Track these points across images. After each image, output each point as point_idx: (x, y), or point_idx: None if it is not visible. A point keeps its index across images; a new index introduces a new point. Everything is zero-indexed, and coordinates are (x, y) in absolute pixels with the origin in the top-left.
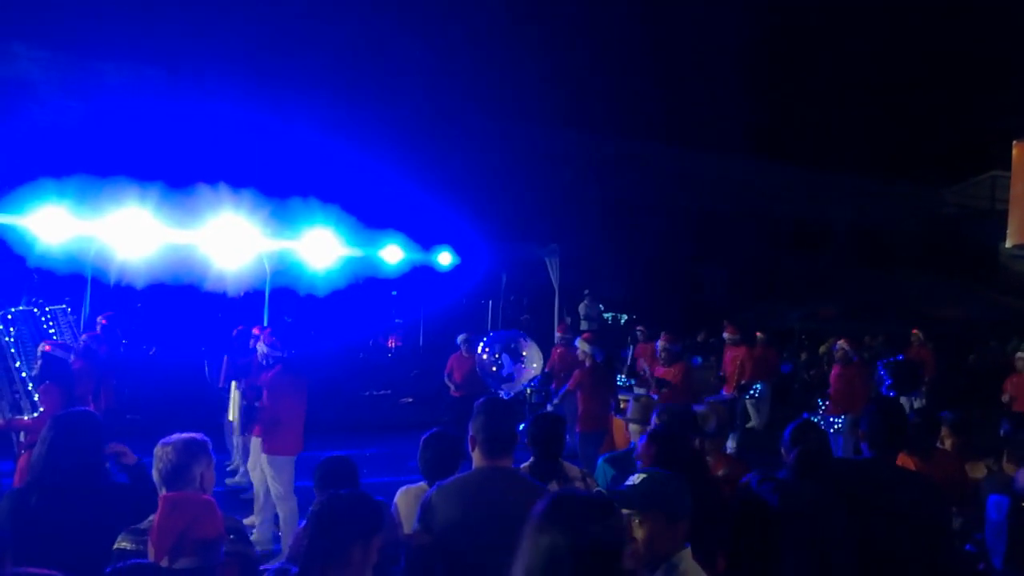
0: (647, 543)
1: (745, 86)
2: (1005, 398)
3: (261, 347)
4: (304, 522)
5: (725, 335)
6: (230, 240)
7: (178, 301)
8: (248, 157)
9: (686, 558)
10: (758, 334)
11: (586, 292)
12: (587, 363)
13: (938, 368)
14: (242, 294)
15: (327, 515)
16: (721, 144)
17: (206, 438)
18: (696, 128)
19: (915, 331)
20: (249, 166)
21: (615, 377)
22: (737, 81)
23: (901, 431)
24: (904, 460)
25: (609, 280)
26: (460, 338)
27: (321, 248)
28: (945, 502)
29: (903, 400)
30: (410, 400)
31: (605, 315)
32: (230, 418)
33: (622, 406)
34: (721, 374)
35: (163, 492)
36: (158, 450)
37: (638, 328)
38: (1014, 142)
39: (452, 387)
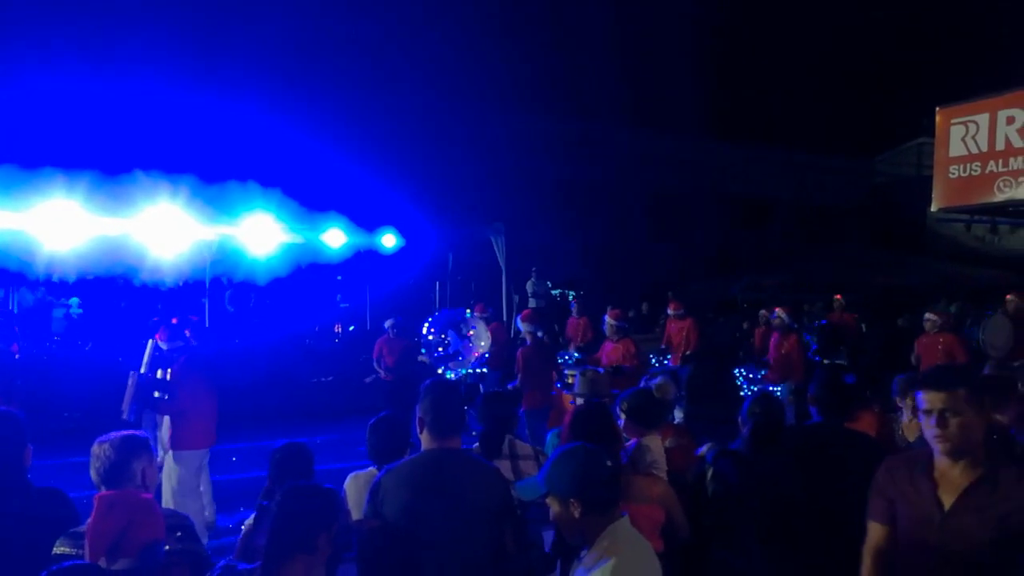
0: (556, 520)
1: (692, 66)
2: (913, 358)
3: (160, 341)
4: (252, 515)
5: (669, 310)
6: (166, 228)
7: (113, 294)
8: (183, 140)
9: (618, 529)
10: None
11: (533, 270)
12: (528, 340)
13: (858, 332)
14: (181, 284)
15: (290, 506)
16: (669, 123)
17: (146, 434)
18: (644, 108)
19: (837, 297)
20: (184, 150)
21: (555, 353)
22: (684, 61)
23: (849, 395)
24: None
25: (558, 258)
26: (388, 322)
27: (262, 234)
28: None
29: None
30: (369, 380)
31: (553, 292)
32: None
33: (569, 380)
34: (663, 346)
35: (101, 491)
36: (95, 448)
37: (572, 301)
38: (937, 108)
39: (382, 372)
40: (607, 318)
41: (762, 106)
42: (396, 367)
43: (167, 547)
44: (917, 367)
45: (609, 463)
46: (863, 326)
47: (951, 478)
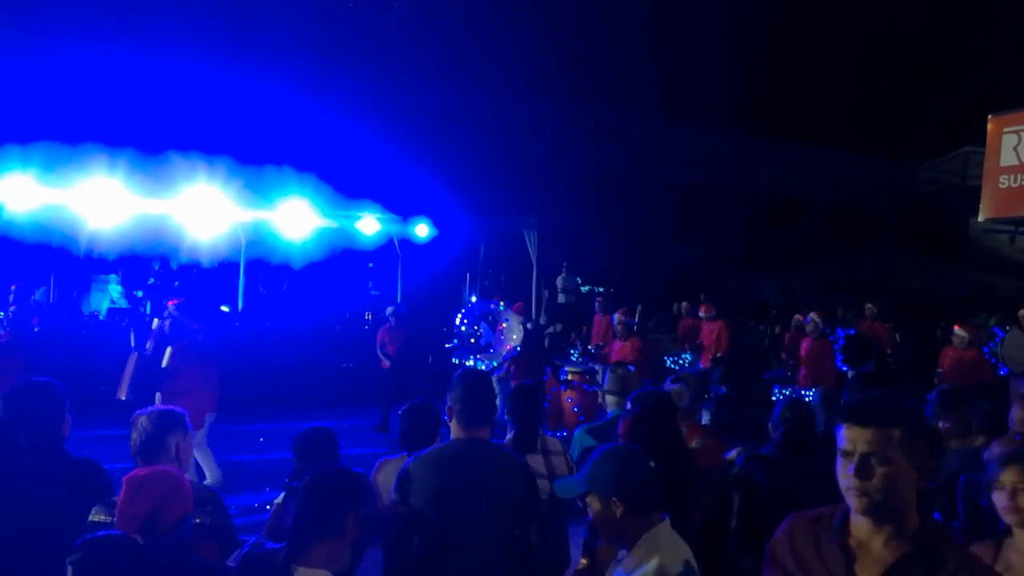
0: (595, 519)
1: (727, 60)
2: (936, 375)
3: (171, 312)
4: (281, 494)
5: (700, 312)
6: (204, 210)
7: (151, 272)
8: (221, 123)
9: (660, 532)
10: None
11: (564, 265)
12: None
13: (891, 342)
14: (216, 265)
15: (319, 488)
16: (703, 118)
17: (183, 411)
18: (678, 101)
19: (868, 305)
20: (223, 133)
21: (542, 344)
22: (720, 55)
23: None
24: None
25: (588, 253)
26: (389, 310)
27: (296, 218)
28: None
29: None
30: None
31: (583, 288)
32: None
33: (571, 377)
34: (699, 342)
35: (137, 464)
36: (135, 421)
37: (597, 299)
38: (989, 117)
39: (384, 359)
40: (616, 316)
41: (800, 102)
42: (397, 355)
43: (197, 520)
44: (940, 380)
45: (652, 464)
46: (897, 336)
47: (872, 550)
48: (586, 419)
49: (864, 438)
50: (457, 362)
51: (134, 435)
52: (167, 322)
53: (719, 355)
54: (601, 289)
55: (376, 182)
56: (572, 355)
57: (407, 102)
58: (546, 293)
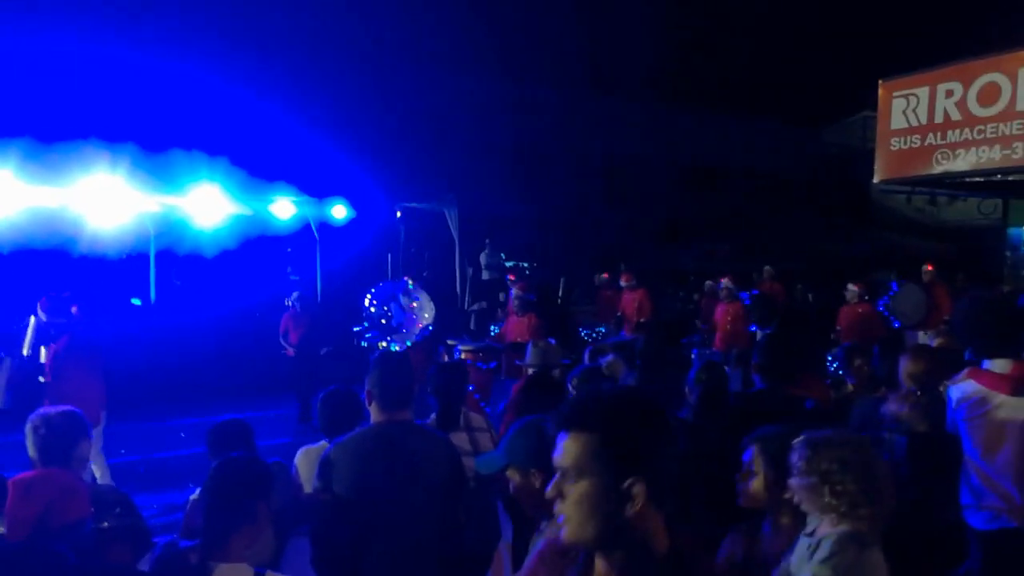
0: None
1: (644, 31)
2: (837, 328)
3: (40, 316)
4: (196, 491)
5: (622, 282)
6: (105, 199)
7: (50, 267)
8: (124, 105)
9: None
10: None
11: (487, 241)
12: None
13: (787, 302)
14: (124, 257)
15: (222, 478)
16: (622, 89)
17: (80, 411)
18: (595, 74)
19: (766, 268)
20: (125, 115)
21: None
22: (636, 26)
23: (789, 362)
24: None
25: (511, 229)
26: (292, 296)
27: (208, 205)
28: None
29: (922, 335)
30: (323, 352)
31: (507, 263)
32: None
33: (464, 356)
34: (620, 312)
35: (36, 469)
36: (30, 425)
37: (509, 275)
38: (880, 82)
39: (288, 347)
40: (513, 291)
41: (713, 71)
42: (300, 343)
43: (105, 524)
44: (838, 337)
45: None
46: (810, 296)
47: None
48: (481, 397)
49: (563, 449)
50: (366, 345)
51: (32, 439)
52: (40, 324)
53: (642, 321)
54: (524, 264)
55: (290, 164)
56: (493, 331)
57: (320, 79)
58: (470, 270)
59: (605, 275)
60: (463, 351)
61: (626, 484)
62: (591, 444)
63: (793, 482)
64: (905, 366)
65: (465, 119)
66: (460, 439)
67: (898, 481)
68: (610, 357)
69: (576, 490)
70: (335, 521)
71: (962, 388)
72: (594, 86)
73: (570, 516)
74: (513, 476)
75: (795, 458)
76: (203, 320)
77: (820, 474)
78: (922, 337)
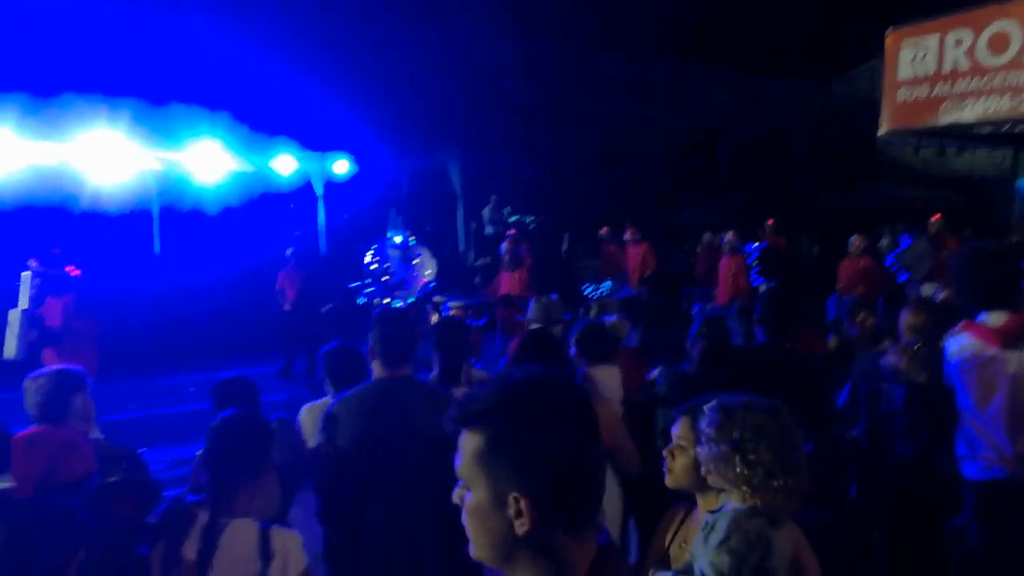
0: None
1: None
2: (839, 283)
3: (32, 263)
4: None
5: (627, 236)
6: (106, 155)
7: (51, 224)
8: (124, 59)
9: None
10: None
11: (492, 197)
12: None
13: (789, 255)
14: (127, 213)
15: (222, 436)
16: (626, 47)
17: (81, 368)
18: (599, 30)
19: (769, 221)
20: (125, 69)
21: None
22: None
23: (790, 316)
24: None
25: (514, 185)
26: (288, 251)
27: (209, 161)
28: (828, 380)
29: (927, 288)
30: (325, 310)
31: (511, 218)
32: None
33: (454, 312)
34: (623, 267)
35: (36, 427)
36: (29, 383)
37: (509, 232)
38: (889, 30)
39: (285, 303)
40: (502, 246)
41: (719, 26)
42: (297, 298)
43: (112, 479)
44: (840, 291)
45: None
46: (815, 249)
47: None
48: (473, 354)
49: (458, 449)
50: (364, 302)
51: (32, 398)
52: (36, 279)
53: (646, 275)
54: (528, 219)
55: (291, 118)
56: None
57: (322, 32)
58: (473, 226)
59: (604, 229)
60: (452, 307)
61: (510, 498)
62: (478, 446)
63: (702, 451)
64: (905, 319)
65: (470, 75)
66: (462, 393)
67: (895, 432)
68: (614, 318)
69: (469, 501)
70: (337, 475)
71: (958, 340)
72: (598, 44)
73: (468, 530)
74: None
75: (705, 424)
76: (207, 276)
77: (732, 442)
78: (927, 289)
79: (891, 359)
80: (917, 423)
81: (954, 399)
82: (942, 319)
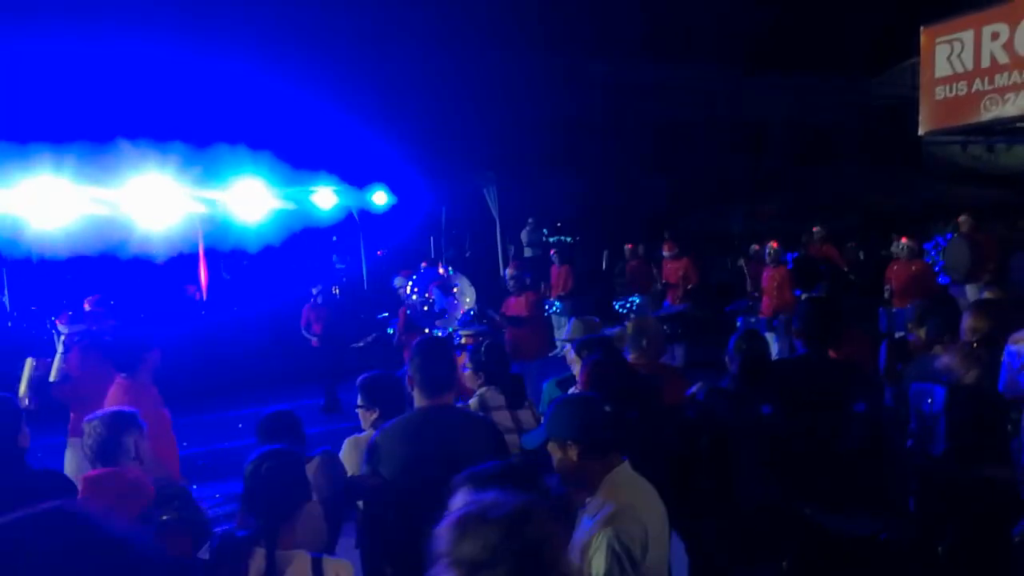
0: (557, 467)
1: None
2: (886, 288)
3: (61, 327)
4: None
5: (665, 252)
6: (154, 199)
7: (102, 272)
8: (169, 103)
9: (619, 474)
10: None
11: (529, 220)
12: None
13: (844, 262)
14: (175, 256)
15: (258, 473)
16: (665, 53)
17: (135, 410)
18: (637, 38)
19: (816, 228)
20: (170, 113)
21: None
22: None
23: (829, 325)
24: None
25: (552, 203)
26: (315, 289)
27: (252, 200)
28: (873, 389)
29: (971, 289)
30: (360, 345)
31: (550, 239)
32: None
33: (464, 340)
34: (664, 281)
35: (96, 468)
36: (85, 426)
37: (552, 251)
38: (922, 28)
39: (312, 339)
40: (507, 272)
41: (753, 27)
42: (324, 334)
43: (164, 517)
44: (891, 295)
45: (607, 408)
46: (860, 253)
47: None
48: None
49: None
50: (392, 332)
51: (88, 440)
52: (70, 325)
53: (689, 289)
54: (567, 239)
55: (329, 153)
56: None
57: (355, 66)
58: (512, 249)
59: (629, 246)
60: (463, 335)
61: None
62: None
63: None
64: (968, 321)
65: (505, 94)
66: (502, 417)
67: (933, 433)
68: (618, 328)
69: None
70: (384, 505)
71: None
72: (636, 51)
73: None
74: (554, 451)
75: (440, 543)
76: (254, 313)
77: (465, 564)
78: (971, 291)
79: (944, 360)
80: (957, 424)
81: (1000, 402)
82: (1005, 321)
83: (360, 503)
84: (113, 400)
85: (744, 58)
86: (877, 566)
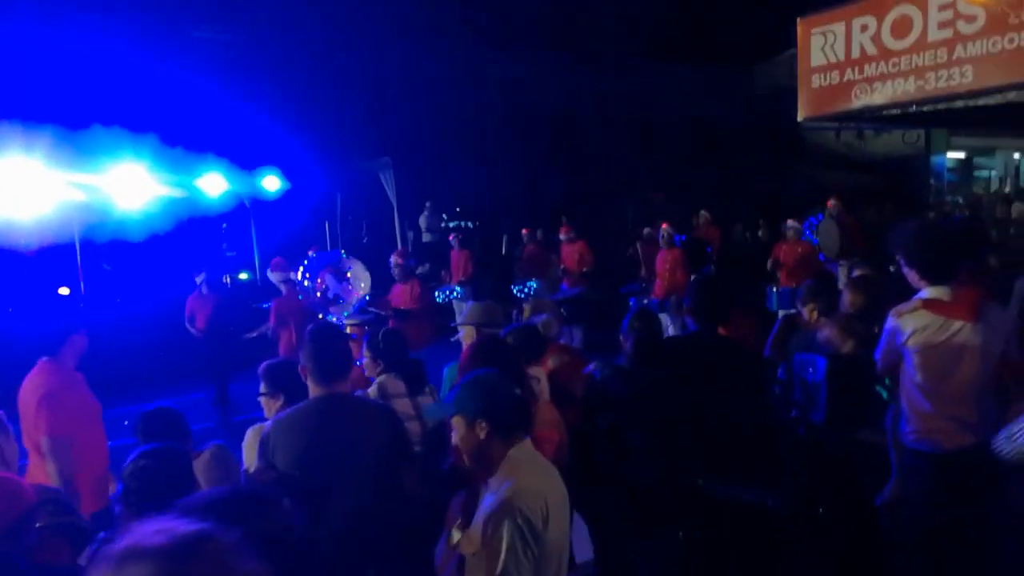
0: (460, 443)
1: None
2: (769, 264)
3: None
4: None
5: (561, 235)
6: (23, 186)
7: None
8: (38, 82)
9: (520, 453)
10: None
11: (427, 204)
12: (283, 291)
13: (724, 244)
14: (46, 247)
15: (136, 473)
16: (551, 45)
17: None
18: (527, 29)
19: (702, 212)
20: (39, 93)
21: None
22: None
23: (718, 304)
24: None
25: (452, 189)
26: (198, 277)
27: (133, 186)
28: (760, 364)
29: (842, 266)
30: (254, 335)
31: (451, 224)
32: None
33: (350, 330)
34: (562, 266)
35: None
36: None
37: (450, 236)
38: (798, 20)
39: (195, 331)
40: (392, 259)
41: (646, 21)
42: (209, 326)
43: (38, 524)
44: (774, 273)
45: (518, 391)
46: (747, 235)
47: None
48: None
49: None
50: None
51: None
52: None
53: (585, 272)
54: (468, 224)
55: (217, 135)
56: (438, 296)
57: (244, 46)
58: (411, 234)
59: (526, 231)
60: (348, 325)
61: None
62: None
63: None
64: (846, 296)
65: (400, 79)
66: (403, 404)
67: (815, 402)
68: (545, 317)
69: None
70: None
71: (917, 318)
72: (532, 43)
73: None
74: (458, 426)
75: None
76: (138, 306)
77: None
78: (842, 269)
79: (824, 332)
80: (836, 392)
81: (874, 370)
82: (879, 296)
83: None
84: (38, 382)
85: (636, 51)
86: (765, 532)
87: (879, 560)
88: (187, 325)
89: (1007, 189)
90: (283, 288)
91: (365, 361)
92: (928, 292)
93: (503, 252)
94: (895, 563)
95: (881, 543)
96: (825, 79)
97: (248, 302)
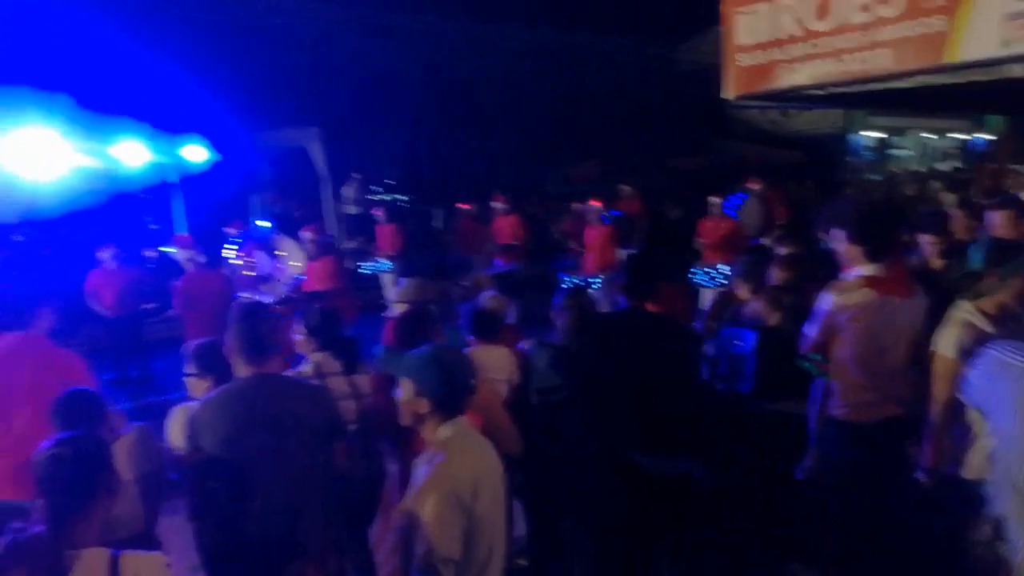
0: (402, 404)
1: None
2: (697, 243)
3: None
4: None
5: (496, 205)
6: None
7: None
8: None
9: (456, 426)
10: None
11: (354, 176)
12: (190, 269)
13: (650, 219)
14: None
15: (48, 465)
16: (481, 12)
17: None
18: None
19: (624, 186)
20: None
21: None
22: None
23: (648, 280)
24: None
25: (380, 160)
26: (106, 252)
27: (43, 153)
28: (689, 338)
29: (765, 242)
30: (172, 313)
31: (381, 196)
32: None
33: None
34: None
35: None
36: None
37: (374, 210)
38: None
39: (102, 309)
40: (303, 235)
41: None
42: (118, 304)
43: None
44: (703, 251)
45: (471, 380)
46: (676, 210)
47: None
48: (284, 353)
49: None
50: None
51: None
52: None
53: (516, 246)
54: (401, 198)
55: (138, 101)
56: (364, 268)
57: (170, 7)
58: (342, 208)
59: (461, 205)
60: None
61: None
62: None
63: None
64: (775, 272)
65: (322, 46)
66: (338, 383)
67: (742, 373)
68: (491, 294)
69: None
70: (208, 480)
71: (860, 295)
72: (450, 9)
73: None
74: (406, 388)
75: None
76: (51, 284)
77: None
78: (766, 243)
79: (752, 305)
80: (764, 363)
81: (796, 342)
82: (805, 271)
83: (185, 478)
84: (16, 353)
85: (558, 20)
86: (693, 502)
87: (800, 531)
88: (89, 302)
89: (921, 168)
90: (190, 267)
91: (298, 339)
92: (866, 269)
93: (441, 226)
94: (815, 533)
95: (801, 514)
96: (751, 58)
97: (174, 278)
